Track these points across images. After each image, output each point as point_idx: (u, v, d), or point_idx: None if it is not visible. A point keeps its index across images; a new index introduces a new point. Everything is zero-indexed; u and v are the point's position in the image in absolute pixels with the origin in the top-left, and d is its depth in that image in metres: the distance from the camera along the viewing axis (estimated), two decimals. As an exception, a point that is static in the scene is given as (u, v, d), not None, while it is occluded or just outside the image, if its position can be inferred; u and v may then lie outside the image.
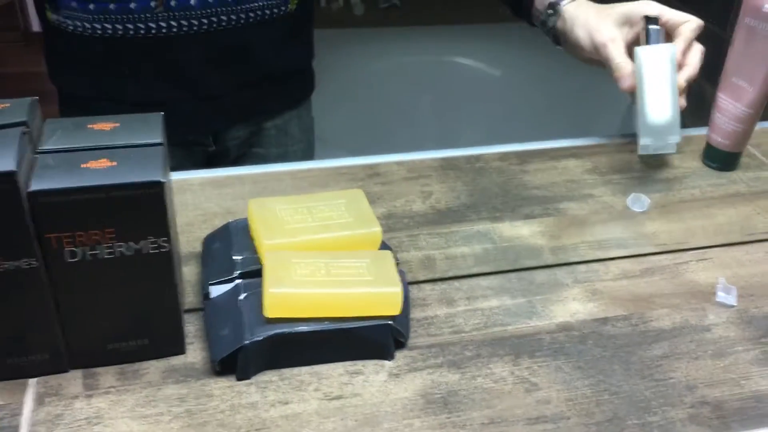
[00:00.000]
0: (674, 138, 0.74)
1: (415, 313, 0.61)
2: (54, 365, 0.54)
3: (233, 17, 0.86)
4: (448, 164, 0.80)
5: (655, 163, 0.82)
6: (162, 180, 0.49)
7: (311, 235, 0.61)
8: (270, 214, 0.63)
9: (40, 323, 0.52)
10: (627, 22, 0.78)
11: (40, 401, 0.52)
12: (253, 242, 0.62)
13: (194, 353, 0.57)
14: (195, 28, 0.85)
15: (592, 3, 0.82)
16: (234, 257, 0.61)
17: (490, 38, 2.24)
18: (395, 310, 0.56)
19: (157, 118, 0.55)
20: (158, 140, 0.53)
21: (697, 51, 0.77)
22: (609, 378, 0.55)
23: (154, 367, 0.55)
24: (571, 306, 0.62)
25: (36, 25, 3.12)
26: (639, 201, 0.74)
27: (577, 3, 0.82)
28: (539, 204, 0.74)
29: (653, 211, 0.74)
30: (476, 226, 0.71)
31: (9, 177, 0.46)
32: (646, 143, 0.75)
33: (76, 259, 0.50)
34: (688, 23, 0.77)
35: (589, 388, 0.55)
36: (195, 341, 0.58)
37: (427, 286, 0.64)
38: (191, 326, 0.59)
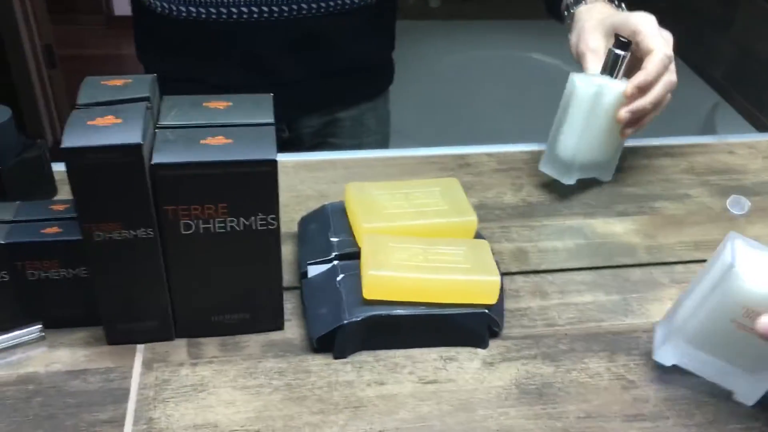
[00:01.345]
0: (574, 176, 0.71)
1: (508, 304, 0.61)
2: (161, 333, 0.56)
3: (314, 5, 0.87)
4: (539, 158, 0.79)
5: (756, 167, 0.80)
6: (276, 158, 0.50)
7: (408, 220, 0.61)
8: (368, 198, 0.63)
9: (152, 291, 0.54)
10: (613, 34, 0.70)
11: (148, 366, 0.54)
12: (350, 225, 0.63)
13: (292, 330, 0.58)
14: (275, 14, 0.86)
15: (603, 8, 0.76)
16: (331, 239, 0.62)
17: (567, 34, 2.20)
18: (492, 299, 0.57)
19: (267, 99, 0.56)
20: (270, 120, 0.54)
21: (659, 88, 0.67)
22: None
23: (254, 341, 0.57)
24: (669, 306, 0.61)
25: (118, 10, 3.22)
26: (739, 203, 0.72)
27: (589, 7, 0.76)
28: (633, 202, 0.73)
29: (754, 214, 0.72)
30: (568, 221, 0.71)
31: (136, 149, 0.48)
32: (544, 170, 0.73)
33: (190, 232, 0.52)
34: (654, 55, 0.67)
35: (689, 389, 0.54)
36: (292, 318, 0.59)
37: (520, 278, 0.64)
38: (288, 304, 0.60)
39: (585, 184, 0.75)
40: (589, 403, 0.53)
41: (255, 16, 0.86)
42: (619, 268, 0.65)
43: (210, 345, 0.56)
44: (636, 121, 0.69)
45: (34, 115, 2.33)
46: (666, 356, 0.54)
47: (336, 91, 0.97)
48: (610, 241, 0.68)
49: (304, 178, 0.76)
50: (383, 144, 1.08)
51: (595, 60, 0.71)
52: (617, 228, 0.70)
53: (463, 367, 0.55)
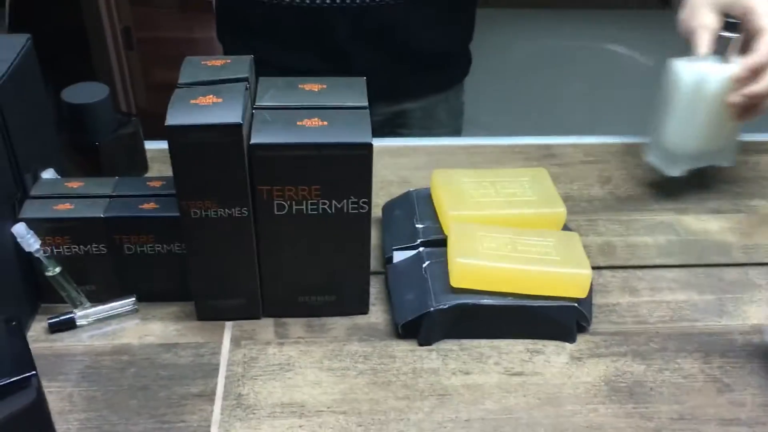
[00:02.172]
0: (681, 167, 0.68)
1: (596, 299, 0.59)
2: (249, 311, 0.57)
3: None
4: (628, 150, 0.77)
5: None
6: (372, 142, 0.50)
7: (496, 210, 0.61)
8: (455, 185, 0.63)
9: (243, 270, 0.55)
10: (724, 11, 0.67)
11: (236, 343, 0.55)
12: (436, 212, 0.63)
13: (376, 314, 0.58)
14: (348, 1, 0.85)
15: None
16: (416, 225, 0.62)
17: (645, 25, 2.13)
18: (582, 292, 0.55)
19: (361, 83, 0.56)
20: (364, 103, 0.54)
21: None
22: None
23: (339, 324, 0.57)
24: (766, 309, 0.58)
25: (192, -7, 3.28)
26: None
27: None
28: (728, 199, 0.70)
29: None
30: (659, 216, 0.69)
31: (236, 128, 0.48)
32: (650, 161, 0.70)
33: (282, 213, 0.52)
34: (766, 36, 0.62)
35: (789, 395, 0.52)
36: (376, 303, 0.59)
37: (608, 273, 0.62)
38: (372, 288, 0.60)
39: (676, 180, 0.73)
40: (683, 404, 0.51)
41: (327, 2, 0.86)
42: (713, 267, 0.63)
43: (296, 325, 0.57)
44: (751, 107, 0.64)
45: (111, 95, 2.39)
46: None
47: (405, 81, 0.96)
48: (703, 238, 0.66)
49: (386, 163, 0.75)
50: (454, 137, 1.07)
51: (705, 36, 0.67)
52: (711, 225, 0.67)
53: (550, 360, 0.54)
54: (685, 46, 0.69)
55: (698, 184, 0.72)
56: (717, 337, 0.56)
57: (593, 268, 0.62)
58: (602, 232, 0.67)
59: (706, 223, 0.67)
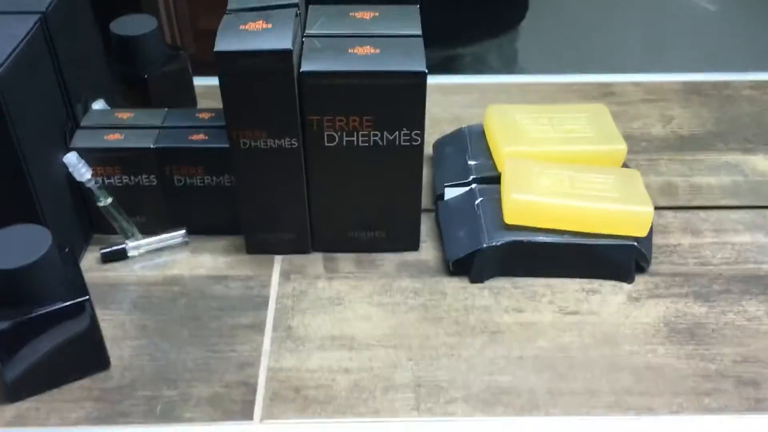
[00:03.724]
0: None
1: (656, 240, 0.57)
2: (299, 245, 0.56)
3: None
4: (691, 89, 0.74)
5: None
6: (426, 70, 0.48)
7: (553, 146, 0.58)
8: (510, 121, 0.61)
9: (292, 203, 0.54)
10: None
11: (286, 277, 0.55)
12: (489, 148, 0.61)
13: (426, 251, 0.57)
14: None
15: None
16: (469, 162, 0.60)
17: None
18: (642, 231, 0.53)
19: (414, 10, 0.54)
20: (417, 32, 0.52)
21: None
22: None
23: (389, 260, 0.56)
24: (839, 252, 0.56)
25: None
26: None
27: None
28: (799, 139, 0.67)
29: None
30: (724, 156, 0.65)
31: (286, 55, 0.47)
32: None
33: (333, 144, 0.51)
34: None
35: None
36: (427, 240, 0.58)
37: (669, 213, 0.60)
38: (423, 225, 0.59)
39: (744, 119, 0.69)
40: (747, 347, 0.49)
41: None
42: (781, 209, 0.60)
43: (345, 261, 0.56)
44: None
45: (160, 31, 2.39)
46: None
47: (455, 24, 0.93)
48: (771, 179, 0.63)
49: (437, 101, 0.73)
50: None
51: None
52: (780, 166, 0.64)
53: (607, 300, 0.53)
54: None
55: (767, 123, 0.69)
56: (785, 280, 0.54)
57: (654, 208, 0.60)
58: (663, 172, 0.64)
59: (775, 164, 0.64)
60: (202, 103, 0.71)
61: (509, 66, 1.02)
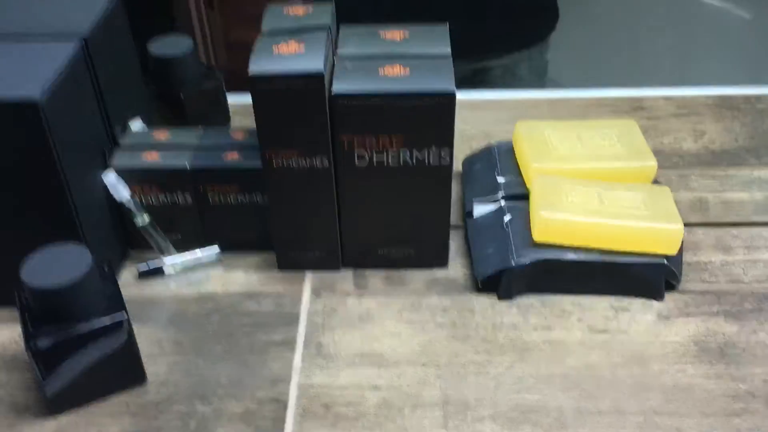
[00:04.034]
0: None
1: (687, 257, 0.57)
2: (329, 262, 0.57)
3: None
4: (723, 103, 0.73)
5: None
6: (455, 91, 0.49)
7: (582, 163, 0.58)
8: (538, 137, 0.61)
9: (323, 221, 0.55)
10: None
11: (316, 294, 0.56)
12: (518, 165, 0.61)
13: (455, 268, 0.57)
14: None
15: None
16: (498, 178, 0.61)
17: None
18: (672, 249, 0.53)
19: (444, 30, 0.54)
20: (447, 51, 0.52)
21: None
22: None
23: (417, 277, 0.57)
24: None
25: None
26: None
27: None
28: (835, 154, 0.66)
29: None
30: (757, 171, 0.65)
31: (318, 78, 0.48)
32: None
33: (363, 163, 0.52)
34: None
35: None
36: (456, 257, 0.58)
37: (700, 230, 0.60)
38: (451, 242, 0.59)
39: (777, 133, 0.69)
40: (779, 367, 0.49)
41: None
42: (816, 226, 0.59)
43: (375, 277, 0.57)
44: None
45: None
46: None
47: (486, 37, 0.93)
48: (805, 195, 0.62)
49: (466, 117, 0.74)
50: None
51: None
52: (815, 182, 0.63)
53: (636, 318, 0.53)
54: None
55: (802, 138, 0.68)
56: (819, 299, 0.53)
57: (684, 225, 0.60)
58: (695, 188, 0.64)
59: (809, 180, 0.63)
60: (235, 120, 0.72)
61: (539, 78, 1.02)
